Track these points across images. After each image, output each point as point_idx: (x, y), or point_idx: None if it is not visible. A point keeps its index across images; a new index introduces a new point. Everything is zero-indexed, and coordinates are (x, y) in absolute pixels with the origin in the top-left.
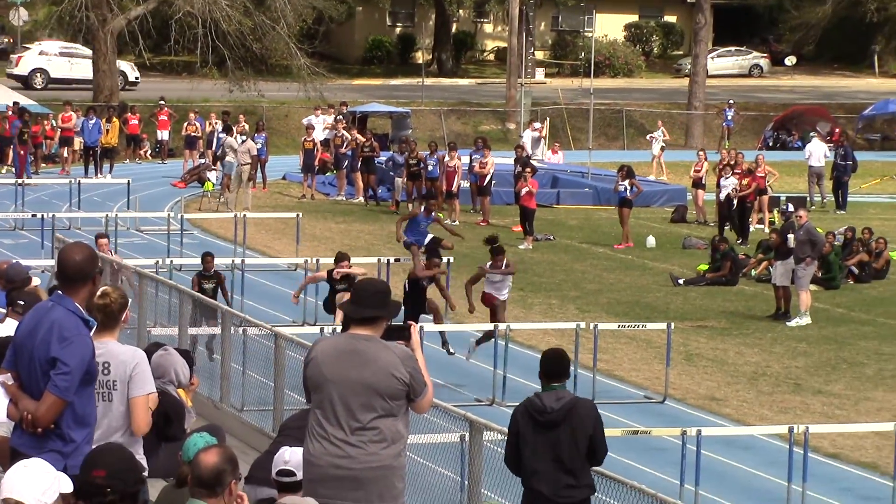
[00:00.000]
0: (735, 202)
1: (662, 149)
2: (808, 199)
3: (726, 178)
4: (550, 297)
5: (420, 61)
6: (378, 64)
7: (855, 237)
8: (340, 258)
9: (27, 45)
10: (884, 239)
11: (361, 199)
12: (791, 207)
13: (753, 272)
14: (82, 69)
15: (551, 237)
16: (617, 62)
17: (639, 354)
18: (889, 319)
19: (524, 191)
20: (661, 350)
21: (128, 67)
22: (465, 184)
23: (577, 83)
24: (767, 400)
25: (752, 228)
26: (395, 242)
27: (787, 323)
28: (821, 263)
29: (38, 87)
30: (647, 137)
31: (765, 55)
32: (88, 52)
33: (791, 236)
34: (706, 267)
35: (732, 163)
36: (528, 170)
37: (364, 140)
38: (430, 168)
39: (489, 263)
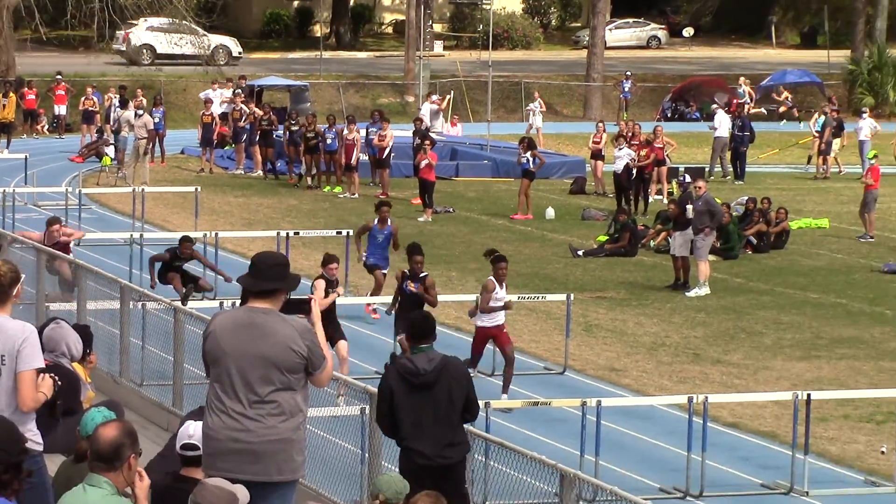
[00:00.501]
0: (633, 173)
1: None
2: (709, 169)
3: (620, 148)
4: (450, 269)
5: (318, 35)
6: (276, 37)
7: (756, 207)
8: (328, 260)
9: None
10: (784, 209)
11: (260, 172)
12: (689, 178)
13: (652, 243)
14: None
15: (451, 209)
16: (515, 34)
17: (538, 326)
18: (787, 289)
19: (423, 163)
20: (561, 321)
21: (231, 43)
22: (364, 157)
23: (476, 56)
24: (667, 370)
25: (651, 199)
26: (295, 216)
27: (686, 293)
28: (719, 234)
29: None
30: (527, 109)
31: (663, 27)
32: None
33: (690, 207)
34: (605, 238)
35: (630, 134)
36: (427, 142)
37: (262, 114)
38: (328, 141)
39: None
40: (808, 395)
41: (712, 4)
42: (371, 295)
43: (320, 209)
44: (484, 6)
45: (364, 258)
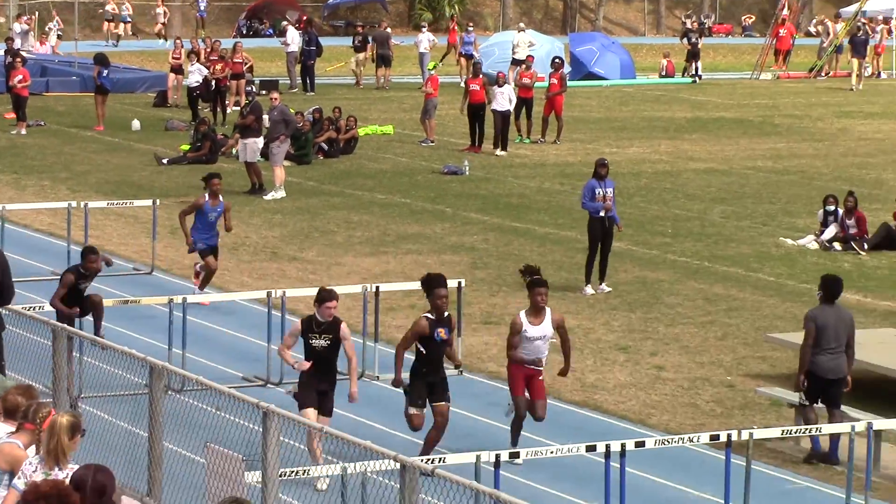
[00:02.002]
0: (213, 85)
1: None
2: (291, 83)
3: (192, 64)
4: (43, 178)
5: None
6: None
7: (323, 116)
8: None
9: None
10: (353, 117)
11: None
12: (261, 91)
13: (234, 151)
14: None
15: (42, 123)
16: None
17: (127, 230)
18: (356, 191)
19: (16, 80)
20: (148, 225)
21: None
22: None
23: None
24: (247, 268)
25: (228, 111)
26: None
27: (264, 196)
28: (294, 141)
29: None
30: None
31: None
32: None
33: (266, 116)
34: (188, 147)
35: (210, 49)
36: (19, 60)
37: None
38: None
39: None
40: (377, 287)
41: None
42: (203, 283)
43: None
44: None
45: (193, 244)
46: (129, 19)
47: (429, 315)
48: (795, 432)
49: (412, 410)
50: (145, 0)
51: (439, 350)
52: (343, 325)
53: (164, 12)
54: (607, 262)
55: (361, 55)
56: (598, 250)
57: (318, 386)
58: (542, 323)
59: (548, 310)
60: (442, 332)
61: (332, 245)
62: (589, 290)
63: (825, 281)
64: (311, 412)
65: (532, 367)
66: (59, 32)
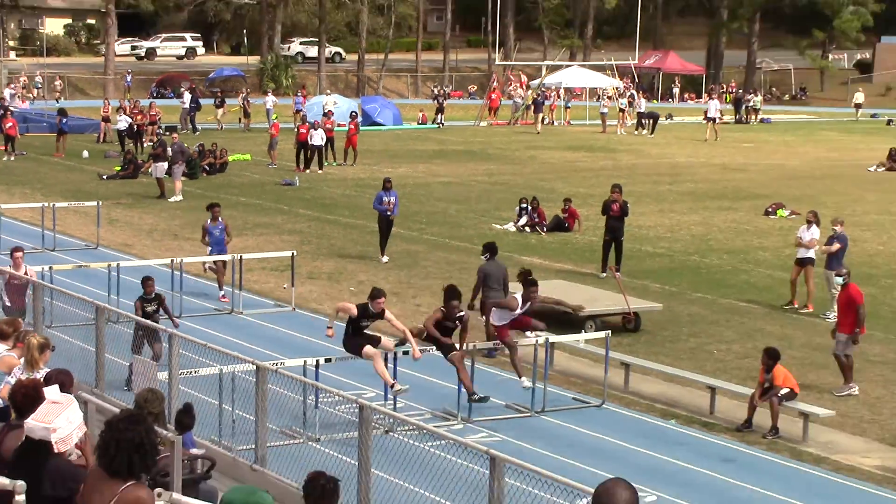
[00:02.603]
0: (136, 129)
1: None
2: (183, 127)
3: (120, 115)
4: (25, 188)
5: None
6: None
7: (205, 148)
8: (376, 294)
9: None
10: (224, 149)
11: None
12: (166, 132)
13: (149, 171)
14: None
15: (24, 153)
16: None
17: (81, 221)
18: (227, 196)
19: (8, 125)
20: (94, 217)
21: None
22: None
23: None
24: (159, 244)
25: (145, 145)
26: None
27: (168, 200)
28: (187, 164)
29: None
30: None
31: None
32: None
33: (169, 148)
34: (119, 168)
35: (132, 106)
36: (9, 111)
37: None
38: None
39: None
40: (241, 256)
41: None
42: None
43: None
44: None
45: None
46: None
47: (443, 309)
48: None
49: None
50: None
51: (449, 331)
52: (388, 313)
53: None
54: (387, 242)
55: (220, 111)
56: (386, 231)
57: (361, 339)
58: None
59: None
60: (448, 323)
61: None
62: (385, 258)
63: (487, 245)
64: (369, 348)
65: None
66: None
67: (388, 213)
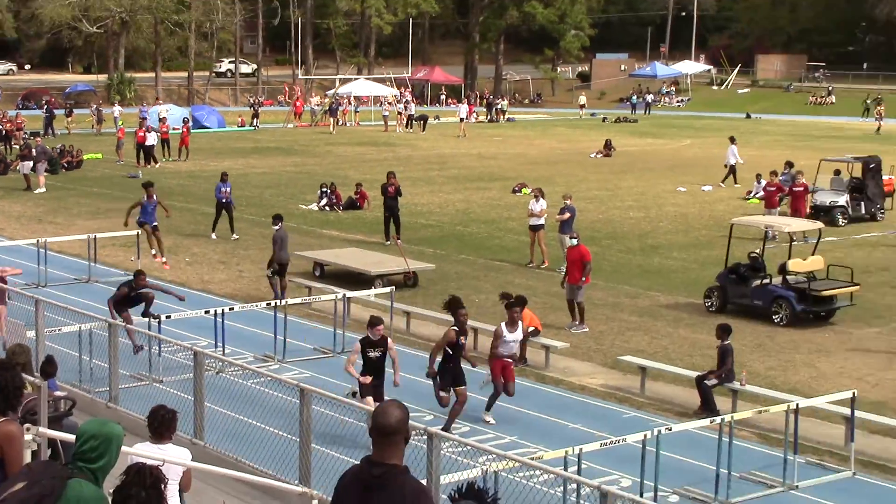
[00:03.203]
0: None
1: None
2: (45, 132)
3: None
4: None
5: None
6: None
7: (65, 149)
8: (374, 322)
9: None
10: (80, 149)
11: None
12: (31, 137)
13: (17, 168)
14: None
15: None
16: None
17: None
18: (83, 187)
19: None
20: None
21: None
22: None
23: None
24: (26, 227)
25: (13, 148)
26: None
27: (34, 191)
28: (48, 162)
29: None
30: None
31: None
32: None
33: (34, 149)
34: None
35: (2, 116)
36: None
37: None
38: None
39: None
40: (95, 236)
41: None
42: (159, 251)
43: None
44: None
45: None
46: None
47: (455, 328)
48: (316, 295)
49: (442, 394)
50: None
51: (461, 351)
52: (390, 340)
53: None
54: (223, 222)
55: (69, 119)
56: (219, 213)
57: (372, 383)
58: (516, 331)
59: (520, 322)
60: (463, 339)
61: (71, 215)
62: (214, 236)
63: (276, 216)
64: (370, 399)
65: (507, 359)
66: None
67: (225, 199)
